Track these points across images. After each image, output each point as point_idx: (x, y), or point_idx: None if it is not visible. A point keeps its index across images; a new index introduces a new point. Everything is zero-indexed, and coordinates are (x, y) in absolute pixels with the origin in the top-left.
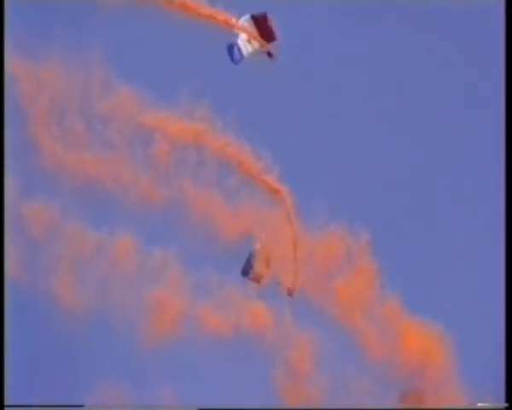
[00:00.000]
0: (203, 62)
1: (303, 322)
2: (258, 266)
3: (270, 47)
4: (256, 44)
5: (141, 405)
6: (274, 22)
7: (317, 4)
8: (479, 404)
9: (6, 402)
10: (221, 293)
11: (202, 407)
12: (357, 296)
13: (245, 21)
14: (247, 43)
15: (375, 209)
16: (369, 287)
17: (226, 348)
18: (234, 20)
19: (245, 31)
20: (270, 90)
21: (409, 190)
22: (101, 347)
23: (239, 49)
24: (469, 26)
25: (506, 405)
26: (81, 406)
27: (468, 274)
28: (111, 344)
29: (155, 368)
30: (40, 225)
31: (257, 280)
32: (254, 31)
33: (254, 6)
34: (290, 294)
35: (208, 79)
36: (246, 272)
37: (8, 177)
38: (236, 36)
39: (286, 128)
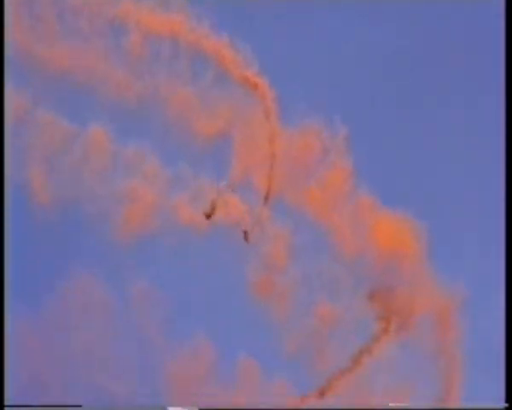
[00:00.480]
0: None
1: (277, 217)
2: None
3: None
4: None
5: (141, 405)
6: None
7: None
8: (479, 404)
9: (6, 402)
10: (195, 186)
11: (202, 407)
12: (332, 193)
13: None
14: None
15: (354, 104)
16: (344, 184)
17: (200, 241)
18: None
19: None
20: None
21: (389, 86)
22: (74, 238)
23: None
24: (470, 26)
25: (506, 405)
26: (80, 406)
27: (445, 167)
28: (84, 236)
29: (129, 260)
30: (13, 113)
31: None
32: None
33: None
34: (246, 238)
35: None
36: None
37: None
38: None
39: (265, 19)
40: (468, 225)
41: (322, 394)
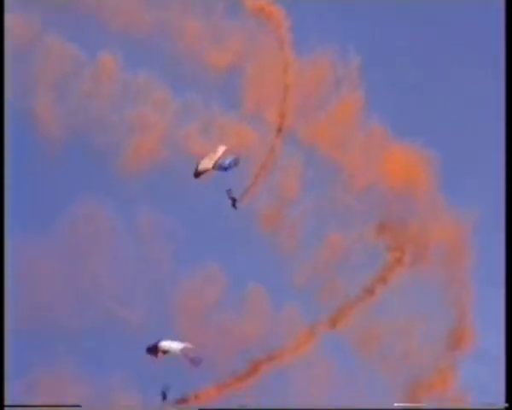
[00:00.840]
0: None
1: (289, 149)
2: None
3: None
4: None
5: (140, 405)
6: None
7: None
8: (479, 404)
9: (6, 402)
10: (205, 116)
11: (202, 407)
12: (344, 125)
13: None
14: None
15: (368, 34)
16: (356, 115)
17: (210, 171)
18: None
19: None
20: None
21: (404, 16)
22: (83, 168)
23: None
24: (469, 26)
25: (506, 405)
26: (79, 406)
27: (457, 97)
28: (93, 166)
29: (139, 190)
30: (20, 38)
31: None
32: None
33: None
34: (234, 205)
35: None
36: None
37: None
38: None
39: None
40: (478, 155)
41: (333, 324)
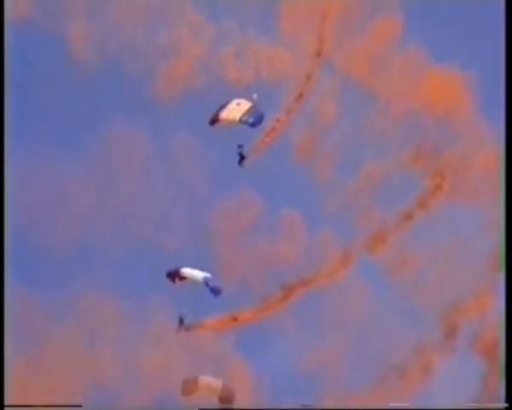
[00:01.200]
0: None
1: (327, 74)
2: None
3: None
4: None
5: (140, 405)
6: None
7: None
8: (479, 404)
9: (6, 402)
10: (241, 41)
11: (203, 407)
12: (382, 48)
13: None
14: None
15: None
16: (394, 38)
17: (245, 97)
18: None
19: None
20: None
21: None
22: (115, 93)
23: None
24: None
25: (506, 405)
26: (79, 406)
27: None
28: (126, 91)
29: (172, 115)
30: None
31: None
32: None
33: None
34: (241, 161)
35: None
36: None
37: None
38: None
39: None
40: None
41: (369, 249)
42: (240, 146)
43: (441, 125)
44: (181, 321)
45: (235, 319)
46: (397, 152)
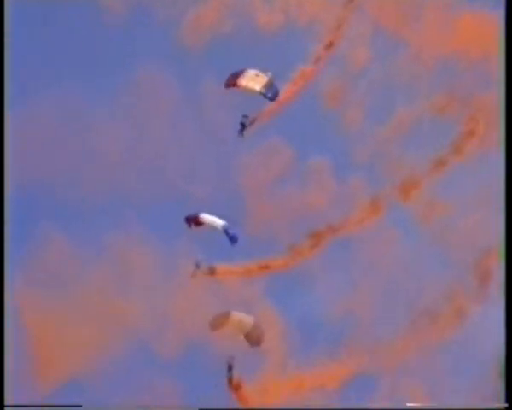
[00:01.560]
0: None
1: (357, 19)
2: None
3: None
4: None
5: (140, 405)
6: None
7: None
8: (479, 404)
9: (6, 402)
10: None
11: (202, 407)
12: None
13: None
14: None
15: None
16: None
17: (275, 42)
18: None
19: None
20: None
21: None
22: (142, 40)
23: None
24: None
25: (506, 405)
26: (79, 406)
27: None
28: (153, 35)
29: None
30: None
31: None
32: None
33: None
34: (242, 130)
35: None
36: None
37: None
38: None
39: None
40: None
41: (400, 196)
42: (245, 116)
43: (475, 69)
44: (197, 266)
45: (266, 267)
46: (429, 98)
